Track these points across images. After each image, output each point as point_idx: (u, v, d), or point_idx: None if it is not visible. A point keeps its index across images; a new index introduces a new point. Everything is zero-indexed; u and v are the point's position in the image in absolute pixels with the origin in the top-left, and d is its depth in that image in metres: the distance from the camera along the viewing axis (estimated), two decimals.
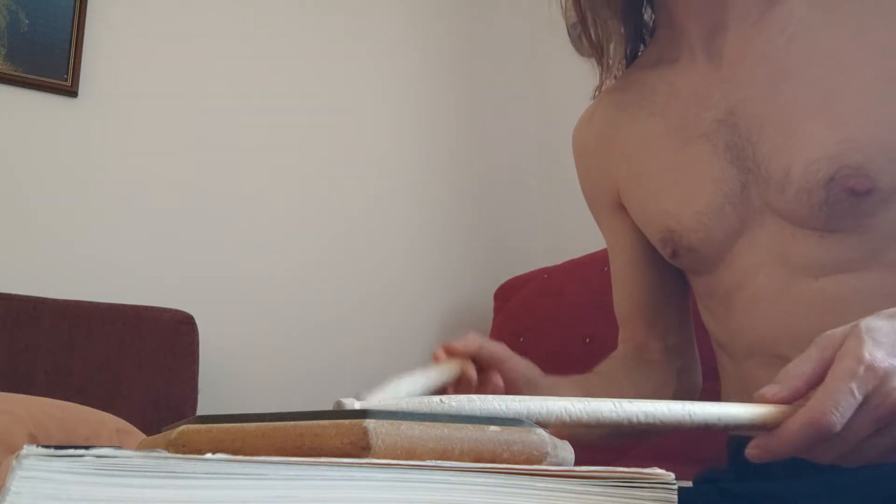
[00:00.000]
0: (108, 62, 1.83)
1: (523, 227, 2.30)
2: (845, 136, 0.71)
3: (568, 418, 0.46)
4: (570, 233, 2.08)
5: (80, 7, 1.79)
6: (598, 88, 0.94)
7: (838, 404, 0.49)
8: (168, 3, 1.92)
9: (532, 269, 2.00)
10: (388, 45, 2.22)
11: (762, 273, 0.78)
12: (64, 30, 1.77)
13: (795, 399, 0.51)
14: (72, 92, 1.76)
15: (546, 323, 1.80)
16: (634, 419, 0.47)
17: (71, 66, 1.76)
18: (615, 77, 0.93)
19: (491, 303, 2.03)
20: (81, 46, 1.78)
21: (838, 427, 0.49)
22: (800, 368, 0.52)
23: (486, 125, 2.32)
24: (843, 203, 0.71)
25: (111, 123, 1.81)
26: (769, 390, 0.52)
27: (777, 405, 0.51)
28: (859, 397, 0.49)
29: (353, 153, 2.10)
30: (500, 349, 0.74)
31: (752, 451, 0.52)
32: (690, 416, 0.49)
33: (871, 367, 0.49)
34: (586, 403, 0.47)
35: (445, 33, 2.32)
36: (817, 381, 0.51)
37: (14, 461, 0.31)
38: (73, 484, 0.32)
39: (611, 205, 0.94)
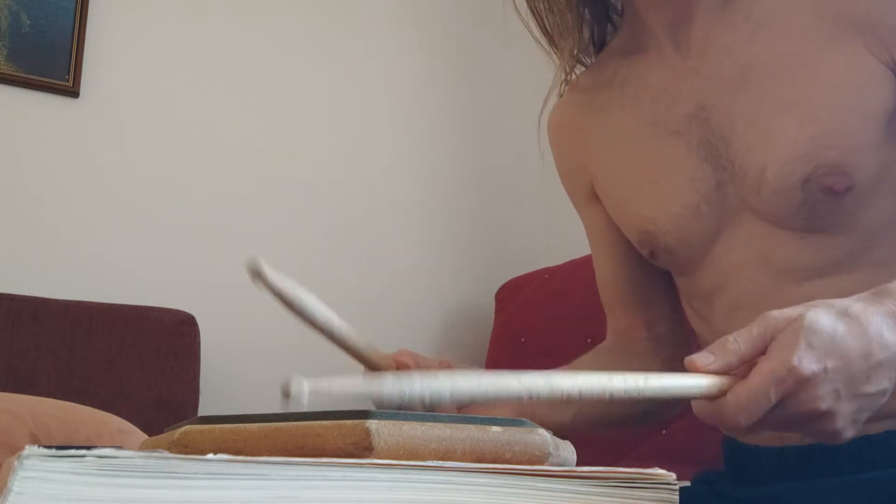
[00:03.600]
0: (110, 63, 1.82)
1: (524, 227, 2.30)
2: (818, 132, 0.69)
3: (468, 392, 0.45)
4: (572, 233, 2.08)
5: (81, 7, 1.78)
6: (564, 82, 0.90)
7: (751, 409, 0.50)
8: (169, 3, 1.92)
9: (533, 269, 2.00)
10: (389, 45, 2.22)
11: (744, 275, 0.75)
12: (65, 30, 1.77)
13: (725, 372, 0.52)
14: (73, 92, 1.76)
15: (547, 323, 1.80)
16: (535, 393, 0.46)
17: (72, 66, 1.75)
18: (583, 65, 0.89)
19: (492, 303, 2.03)
20: (83, 47, 1.78)
21: (745, 427, 0.51)
22: (737, 345, 0.53)
23: (487, 125, 2.32)
24: (822, 203, 0.69)
25: (112, 124, 1.81)
26: (702, 360, 0.53)
27: (712, 377, 0.52)
28: (774, 401, 0.50)
29: (354, 154, 2.10)
30: (423, 359, 0.75)
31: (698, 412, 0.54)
32: (614, 391, 0.49)
33: (794, 372, 0.50)
34: (495, 379, 0.46)
35: (446, 34, 2.32)
36: (752, 357, 0.52)
37: (16, 461, 0.31)
38: (74, 484, 0.32)
39: (586, 193, 0.92)
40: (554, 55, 0.88)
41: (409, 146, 2.19)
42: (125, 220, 1.78)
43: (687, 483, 0.85)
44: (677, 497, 0.40)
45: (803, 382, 0.50)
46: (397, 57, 2.22)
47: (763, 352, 0.52)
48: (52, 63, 1.74)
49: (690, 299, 0.85)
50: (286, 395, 0.39)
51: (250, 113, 1.97)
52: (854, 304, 0.54)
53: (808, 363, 0.50)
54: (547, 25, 0.87)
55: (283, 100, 2.03)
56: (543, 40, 0.88)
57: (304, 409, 0.39)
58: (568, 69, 0.88)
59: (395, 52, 2.22)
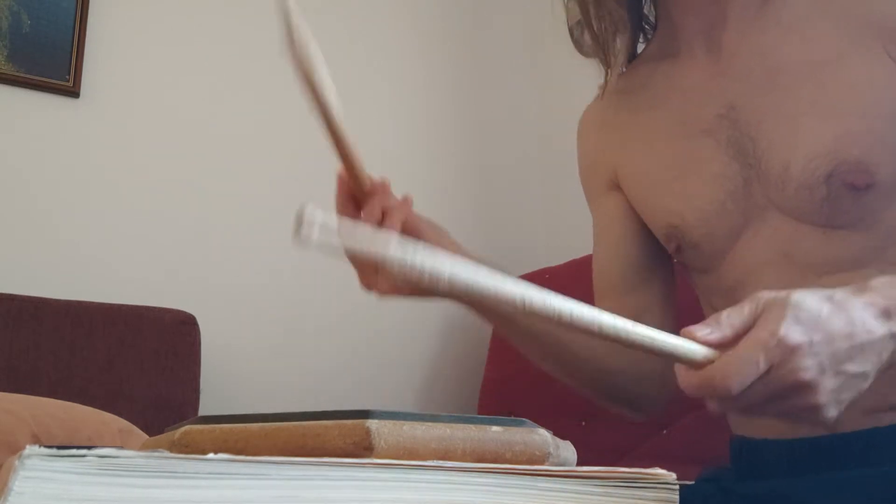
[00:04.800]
0: (110, 63, 1.83)
1: (525, 227, 2.30)
2: (842, 130, 0.71)
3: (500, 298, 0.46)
4: (572, 233, 2.08)
5: (82, 8, 1.78)
6: (605, 84, 0.93)
7: (740, 373, 0.52)
8: (170, 3, 1.92)
9: (534, 269, 2.00)
10: (389, 45, 2.22)
11: (766, 271, 0.77)
12: (66, 30, 1.77)
13: (720, 345, 0.55)
14: (74, 93, 1.76)
15: None
16: (561, 315, 0.48)
17: (73, 66, 1.76)
18: (621, 70, 0.93)
19: None
20: (83, 47, 1.78)
21: (735, 392, 0.53)
22: (731, 319, 0.55)
23: (488, 125, 2.32)
24: (844, 199, 0.72)
25: (113, 124, 1.81)
26: (699, 330, 0.55)
27: (702, 347, 0.55)
28: (763, 368, 0.52)
29: None
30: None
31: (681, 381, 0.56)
32: (603, 324, 0.51)
33: (781, 342, 0.52)
34: (531, 292, 0.48)
35: (447, 34, 2.32)
36: (742, 332, 0.54)
37: (17, 461, 0.31)
38: (75, 484, 0.32)
39: (606, 184, 0.94)
40: (601, 59, 0.91)
41: (409, 146, 2.19)
42: (125, 220, 1.78)
43: (688, 483, 0.85)
44: (678, 497, 0.40)
45: (789, 352, 0.52)
46: (398, 56, 2.22)
47: (752, 326, 0.55)
48: (53, 63, 1.74)
49: (711, 296, 0.87)
50: (299, 221, 0.42)
51: (250, 113, 1.97)
52: (838, 292, 0.57)
53: (794, 334, 0.53)
54: (596, 28, 0.90)
55: (284, 99, 2.02)
56: (590, 46, 0.92)
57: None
58: (614, 73, 0.92)
59: (396, 51, 2.22)
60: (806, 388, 0.53)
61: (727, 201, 0.79)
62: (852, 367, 0.55)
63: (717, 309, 0.85)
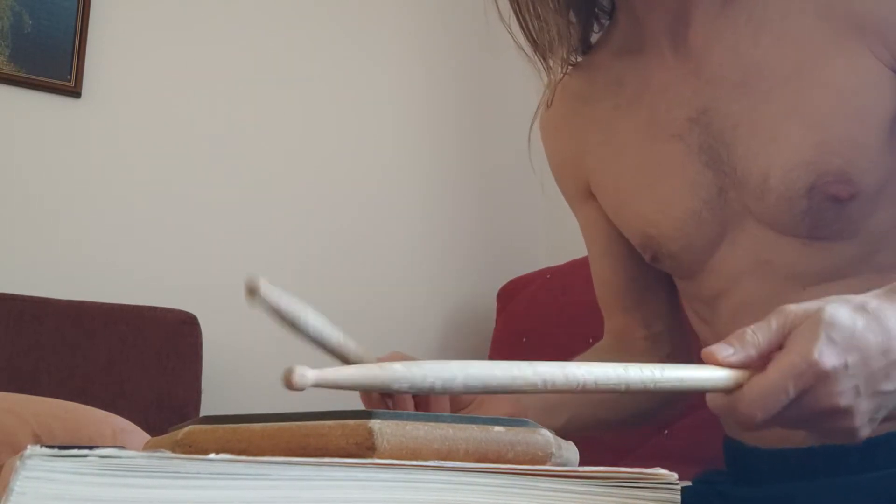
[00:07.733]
0: (112, 63, 1.83)
1: (526, 227, 2.30)
2: (822, 139, 0.67)
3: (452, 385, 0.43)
4: (573, 233, 2.08)
5: (83, 8, 1.78)
6: (552, 89, 0.87)
7: (766, 402, 0.49)
8: (171, 4, 1.92)
9: (535, 269, 2.00)
10: (391, 46, 2.22)
11: (747, 280, 0.75)
12: (67, 30, 1.77)
13: (744, 366, 0.51)
14: (75, 93, 1.76)
15: (549, 323, 1.80)
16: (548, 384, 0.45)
17: (74, 66, 1.76)
18: (570, 65, 0.86)
19: (493, 303, 2.03)
20: (85, 47, 1.78)
21: (760, 421, 0.50)
22: (756, 338, 0.51)
23: (489, 125, 2.32)
24: (826, 211, 0.68)
25: (114, 124, 1.81)
26: (721, 351, 0.51)
27: (729, 370, 0.51)
28: (793, 395, 0.49)
29: (355, 154, 2.10)
30: None
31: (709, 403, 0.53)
32: (630, 382, 0.47)
33: (814, 367, 0.49)
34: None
35: (448, 35, 2.32)
36: (769, 351, 0.51)
37: (18, 461, 0.31)
38: (76, 484, 0.32)
39: (581, 192, 0.90)
40: (539, 63, 0.85)
41: (410, 147, 2.19)
42: (127, 220, 1.78)
43: (689, 483, 0.85)
44: (679, 497, 0.40)
45: (823, 377, 0.49)
46: (399, 58, 2.22)
47: (781, 345, 0.51)
48: (54, 63, 1.74)
49: (693, 303, 0.84)
50: (288, 384, 0.37)
51: (252, 114, 1.97)
52: (871, 300, 0.53)
53: (828, 357, 0.49)
54: (533, 32, 0.84)
55: (285, 100, 2.03)
56: (528, 47, 0.85)
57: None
58: (557, 77, 0.86)
59: (397, 53, 2.22)
60: (841, 413, 0.50)
61: (703, 210, 0.75)
62: (888, 386, 0.52)
63: (700, 315, 0.84)
